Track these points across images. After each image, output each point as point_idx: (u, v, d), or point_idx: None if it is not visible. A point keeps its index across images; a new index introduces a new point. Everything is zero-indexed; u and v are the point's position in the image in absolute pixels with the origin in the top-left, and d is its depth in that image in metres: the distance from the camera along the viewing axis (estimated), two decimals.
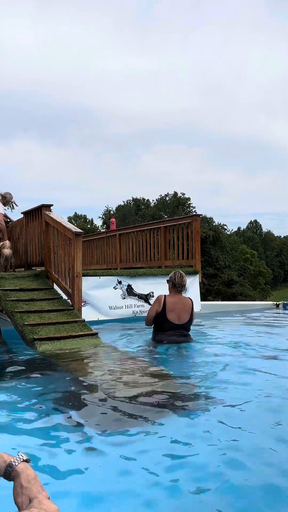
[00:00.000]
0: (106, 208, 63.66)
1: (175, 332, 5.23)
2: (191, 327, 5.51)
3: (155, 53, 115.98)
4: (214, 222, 52.27)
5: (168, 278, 5.56)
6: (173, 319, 5.22)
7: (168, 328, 5.24)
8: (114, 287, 7.61)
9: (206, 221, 48.85)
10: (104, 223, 60.19)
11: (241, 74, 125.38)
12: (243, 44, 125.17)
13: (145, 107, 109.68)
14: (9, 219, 8.79)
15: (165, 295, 5.40)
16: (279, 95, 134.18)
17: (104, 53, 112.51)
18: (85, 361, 4.59)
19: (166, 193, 62.50)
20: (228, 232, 55.42)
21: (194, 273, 8.50)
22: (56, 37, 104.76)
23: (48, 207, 6.99)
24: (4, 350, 5.55)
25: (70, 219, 62.68)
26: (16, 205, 9.02)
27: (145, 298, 7.82)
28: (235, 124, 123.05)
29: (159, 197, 63.00)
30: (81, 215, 68.60)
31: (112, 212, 60.53)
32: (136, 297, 7.60)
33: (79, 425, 2.79)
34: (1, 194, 8.20)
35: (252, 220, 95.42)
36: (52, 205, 7.16)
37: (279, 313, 9.35)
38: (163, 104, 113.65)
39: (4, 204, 8.24)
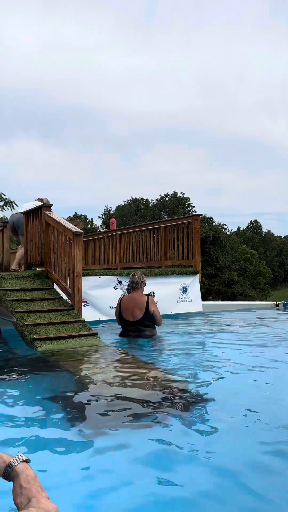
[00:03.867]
0: (106, 208, 63.68)
1: (131, 328, 5.74)
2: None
3: (157, 53, 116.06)
4: (214, 222, 52.22)
5: None
6: (127, 316, 5.76)
7: (125, 325, 5.82)
8: (114, 287, 7.61)
9: (206, 221, 48.79)
10: (104, 223, 60.17)
11: (242, 74, 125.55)
12: (244, 44, 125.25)
13: (146, 107, 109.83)
14: None
15: (122, 296, 6.14)
16: (280, 95, 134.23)
17: (106, 53, 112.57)
18: (85, 361, 4.59)
19: (166, 193, 62.56)
20: (228, 232, 55.39)
21: (194, 273, 8.50)
22: (58, 36, 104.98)
23: (48, 207, 6.98)
24: (4, 349, 5.54)
25: (70, 219, 62.45)
26: (16, 205, 9.07)
27: None
28: (236, 124, 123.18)
29: (159, 197, 63.01)
30: (81, 215, 68.56)
31: (112, 212, 60.51)
32: None
33: (79, 425, 2.79)
34: (39, 199, 8.47)
35: (252, 220, 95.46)
36: (52, 205, 7.16)
37: (279, 312, 9.35)
38: (164, 104, 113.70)
39: None
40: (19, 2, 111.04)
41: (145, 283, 5.99)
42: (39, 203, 8.16)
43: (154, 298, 6.09)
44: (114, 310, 7.38)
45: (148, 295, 5.95)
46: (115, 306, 7.41)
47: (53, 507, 1.17)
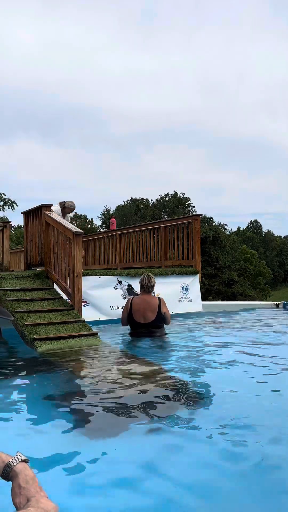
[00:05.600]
0: (105, 208, 63.70)
1: (141, 331, 5.67)
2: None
3: (157, 53, 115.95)
4: (214, 222, 52.20)
5: (139, 280, 6.02)
6: (138, 318, 5.67)
7: (136, 327, 5.73)
8: (114, 287, 7.61)
9: (206, 221, 48.78)
10: (103, 223, 60.16)
11: (242, 74, 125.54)
12: (245, 44, 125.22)
13: (147, 107, 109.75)
14: None
15: (133, 297, 5.97)
16: (280, 95, 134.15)
17: (106, 52, 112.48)
18: (85, 361, 4.59)
19: (166, 193, 62.58)
20: (228, 232, 55.36)
21: (194, 273, 8.49)
22: (59, 36, 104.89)
23: (48, 207, 6.99)
24: (4, 349, 5.54)
25: (70, 219, 62.39)
26: (16, 204, 9.10)
27: None
28: (236, 124, 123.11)
29: (159, 197, 63.02)
30: (81, 215, 68.54)
31: (111, 212, 60.49)
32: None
33: (79, 425, 2.79)
34: (62, 203, 8.50)
35: (252, 220, 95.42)
36: (52, 205, 7.16)
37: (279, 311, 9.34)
38: (164, 104, 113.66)
39: (67, 212, 8.68)
40: (19, 2, 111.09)
41: None
42: (57, 206, 8.24)
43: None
44: (114, 310, 7.42)
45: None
46: (115, 306, 7.45)
47: (53, 507, 1.17)
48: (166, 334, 5.81)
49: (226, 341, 5.58)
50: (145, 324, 5.63)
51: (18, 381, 3.84)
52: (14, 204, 19.86)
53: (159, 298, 5.81)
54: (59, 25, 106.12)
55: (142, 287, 5.87)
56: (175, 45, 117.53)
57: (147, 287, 5.80)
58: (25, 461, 1.30)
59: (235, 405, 3.09)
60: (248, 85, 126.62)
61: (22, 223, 9.02)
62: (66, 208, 8.50)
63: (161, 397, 3.29)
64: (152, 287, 5.85)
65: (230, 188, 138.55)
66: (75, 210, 9.19)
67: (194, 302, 8.42)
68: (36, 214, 7.32)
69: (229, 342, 5.53)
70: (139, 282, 5.97)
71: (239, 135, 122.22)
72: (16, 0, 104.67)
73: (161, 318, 5.68)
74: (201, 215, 12.94)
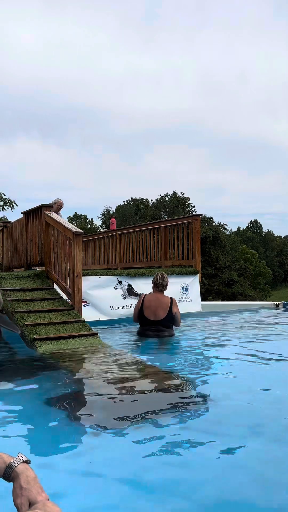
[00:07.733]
0: (105, 208, 63.76)
1: (151, 328, 5.71)
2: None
3: (158, 53, 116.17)
4: (214, 222, 52.19)
5: (152, 279, 6.08)
6: (149, 315, 5.73)
7: (145, 324, 5.77)
8: (114, 287, 7.60)
9: (206, 221, 48.77)
10: (103, 223, 60.20)
11: (243, 74, 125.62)
12: (246, 44, 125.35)
13: (147, 107, 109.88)
14: None
15: (145, 294, 6.05)
16: (281, 95, 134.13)
17: (107, 52, 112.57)
18: (85, 361, 4.59)
19: (166, 193, 62.59)
20: (228, 232, 55.36)
21: (194, 273, 8.49)
22: (60, 36, 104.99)
23: (48, 207, 6.99)
24: (5, 350, 5.54)
25: (70, 219, 62.61)
26: (16, 204, 9.10)
27: None
28: (236, 124, 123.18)
29: (159, 197, 63.04)
30: (81, 215, 68.59)
31: (111, 212, 60.53)
32: (137, 297, 7.58)
33: (79, 425, 2.79)
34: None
35: (252, 220, 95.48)
36: (52, 205, 7.16)
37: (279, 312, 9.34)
38: (165, 103, 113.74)
39: (57, 210, 8.75)
40: (21, 2, 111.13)
41: None
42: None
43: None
44: (114, 310, 7.42)
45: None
46: (115, 306, 7.45)
47: (58, 511, 1.17)
48: (173, 335, 5.81)
49: (226, 342, 5.58)
50: (155, 322, 5.68)
51: (18, 382, 3.84)
52: (13, 204, 19.85)
53: (171, 298, 5.88)
54: (60, 25, 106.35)
55: (155, 285, 5.94)
56: (176, 45, 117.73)
57: (161, 286, 5.89)
58: (26, 462, 1.30)
59: (236, 405, 3.09)
60: (248, 85, 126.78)
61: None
62: (54, 206, 8.54)
63: (161, 397, 3.29)
64: (166, 285, 5.93)
65: (230, 188, 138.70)
66: (63, 207, 9.24)
67: (193, 302, 8.41)
68: (36, 214, 7.32)
69: (229, 342, 5.53)
70: (152, 280, 6.05)
71: (240, 135, 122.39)
72: (18, 0, 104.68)
73: (172, 318, 5.73)
74: (201, 215, 12.94)
